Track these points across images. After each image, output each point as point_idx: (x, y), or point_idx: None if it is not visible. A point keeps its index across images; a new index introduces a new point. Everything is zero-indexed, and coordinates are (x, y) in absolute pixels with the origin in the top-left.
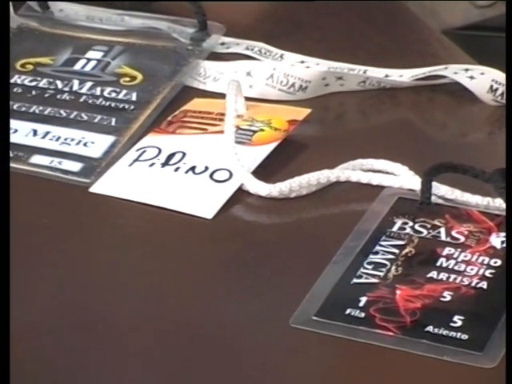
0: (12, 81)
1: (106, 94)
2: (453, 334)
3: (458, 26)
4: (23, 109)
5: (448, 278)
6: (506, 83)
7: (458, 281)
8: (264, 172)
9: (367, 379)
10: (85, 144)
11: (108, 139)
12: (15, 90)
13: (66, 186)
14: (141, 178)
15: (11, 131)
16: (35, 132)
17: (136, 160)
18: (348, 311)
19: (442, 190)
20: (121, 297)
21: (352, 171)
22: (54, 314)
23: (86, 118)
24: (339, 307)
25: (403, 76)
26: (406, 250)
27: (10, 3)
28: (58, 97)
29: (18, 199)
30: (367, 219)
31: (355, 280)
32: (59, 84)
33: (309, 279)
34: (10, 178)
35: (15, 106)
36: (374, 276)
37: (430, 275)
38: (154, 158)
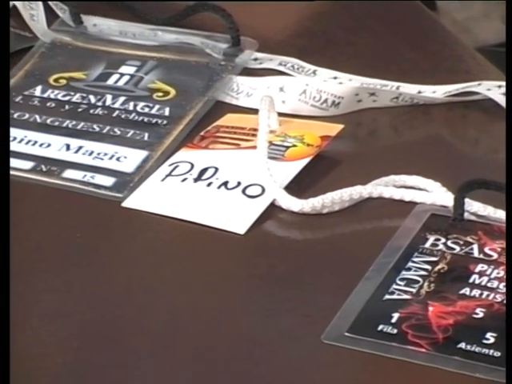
0: (45, 95)
1: (138, 108)
2: (485, 351)
3: (491, 43)
4: (56, 123)
5: (481, 294)
6: (506, 83)
7: (490, 297)
8: (296, 187)
9: None
10: (117, 159)
11: (141, 154)
12: (48, 104)
13: (98, 200)
14: (173, 193)
15: (44, 145)
16: (68, 146)
17: (168, 175)
18: (380, 327)
19: (474, 207)
20: (153, 312)
21: (385, 187)
22: (85, 329)
23: (118, 132)
24: (371, 323)
25: (436, 92)
26: (439, 267)
27: (44, 18)
28: (91, 111)
29: (51, 214)
30: (400, 235)
31: (387, 296)
32: (92, 99)
33: (341, 295)
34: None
35: (48, 121)
36: (406, 292)
37: (462, 292)
38: (187, 172)
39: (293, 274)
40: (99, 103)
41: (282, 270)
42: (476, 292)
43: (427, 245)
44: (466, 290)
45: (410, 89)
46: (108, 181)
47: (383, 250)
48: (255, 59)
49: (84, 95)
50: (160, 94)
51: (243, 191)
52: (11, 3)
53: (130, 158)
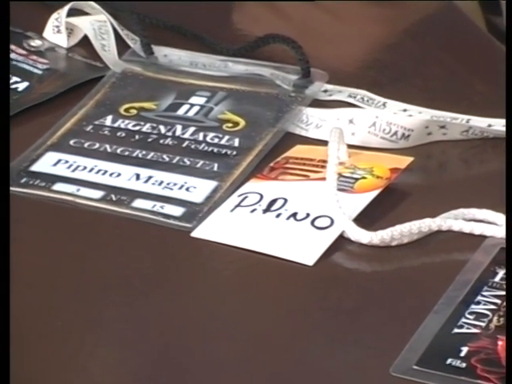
0: (116, 125)
1: (208, 139)
2: None
3: None
4: (126, 153)
5: None
6: (506, 84)
7: None
8: (365, 219)
9: None
10: (187, 189)
11: (210, 184)
12: (119, 134)
13: (167, 230)
14: (242, 224)
15: (115, 175)
16: (138, 176)
17: (238, 205)
18: (449, 361)
19: None
20: (220, 342)
21: (454, 220)
22: (153, 358)
23: (188, 162)
24: (440, 357)
25: None
26: None
27: (115, 48)
28: (161, 141)
29: (121, 243)
30: (469, 269)
31: (456, 330)
32: (162, 129)
33: (409, 328)
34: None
35: (119, 150)
36: (475, 326)
37: None
38: (256, 203)
39: (361, 305)
40: (169, 133)
41: (351, 301)
42: None
43: (497, 279)
44: None
45: (480, 122)
46: (177, 211)
47: (452, 284)
48: (325, 91)
49: (154, 125)
50: (230, 124)
51: (312, 223)
52: (84, 33)
53: (199, 189)
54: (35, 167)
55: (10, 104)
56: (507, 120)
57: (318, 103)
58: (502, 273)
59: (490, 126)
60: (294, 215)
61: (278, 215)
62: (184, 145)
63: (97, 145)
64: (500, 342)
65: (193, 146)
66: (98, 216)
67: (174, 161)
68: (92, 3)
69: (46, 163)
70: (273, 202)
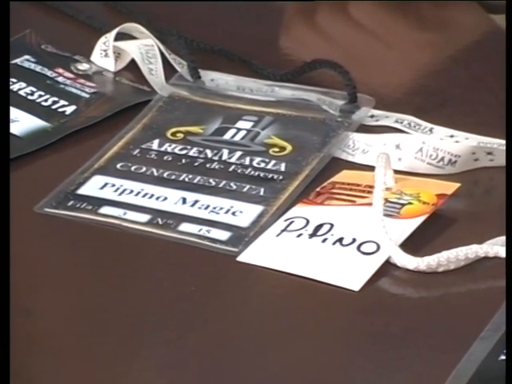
0: (162, 149)
1: (255, 163)
2: None
3: None
4: (173, 177)
5: None
6: (506, 84)
7: None
8: (412, 245)
9: None
10: (233, 213)
11: (256, 209)
12: (165, 157)
13: (213, 254)
14: (288, 249)
15: (161, 199)
16: (184, 200)
17: (284, 230)
18: None
19: None
20: (267, 366)
21: (501, 247)
22: (200, 381)
23: (234, 187)
24: None
25: None
26: None
27: (163, 72)
28: (208, 166)
29: (167, 266)
30: None
31: (503, 357)
32: (209, 153)
33: (455, 354)
34: (147, 243)
35: (165, 174)
36: None
37: None
38: (302, 228)
39: (407, 331)
40: (216, 157)
41: (396, 327)
42: None
43: None
44: None
45: None
46: (223, 235)
47: (499, 310)
48: (371, 116)
49: (201, 149)
50: (276, 149)
51: (358, 248)
52: (131, 57)
53: (245, 213)
54: (82, 190)
55: (58, 128)
56: (507, 120)
57: (364, 128)
58: None
59: None
60: (340, 240)
61: (324, 240)
62: (230, 169)
63: (143, 168)
64: None
65: (239, 171)
66: (144, 240)
67: (221, 185)
68: (140, 27)
69: (93, 186)
70: (319, 226)
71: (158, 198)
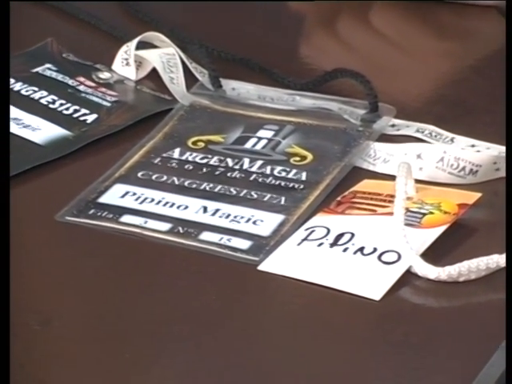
0: (183, 158)
1: (275, 172)
2: None
3: None
4: (194, 186)
5: None
6: (506, 84)
7: None
8: (433, 255)
9: None
10: (254, 222)
11: (277, 218)
12: (186, 166)
13: (234, 263)
14: (309, 258)
15: (182, 207)
16: (205, 209)
17: (305, 239)
18: None
19: None
20: (287, 376)
21: None
22: None
23: (255, 196)
24: None
25: None
26: None
27: (184, 81)
28: (229, 174)
29: (187, 275)
30: None
31: None
32: (230, 162)
33: (476, 364)
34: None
35: (186, 183)
36: None
37: None
38: (323, 237)
39: (427, 341)
40: (237, 166)
41: (417, 337)
42: None
43: None
44: None
45: None
46: (244, 244)
47: None
48: (393, 125)
49: (222, 158)
50: (297, 158)
51: (379, 257)
52: (153, 66)
53: (266, 222)
54: (103, 199)
55: (79, 136)
56: (507, 122)
57: (385, 138)
58: None
59: None
60: (361, 250)
61: (344, 249)
62: (251, 178)
63: (164, 177)
64: None
65: (260, 180)
66: (165, 248)
67: (242, 194)
68: (161, 36)
69: (114, 195)
70: (340, 236)
71: (178, 207)
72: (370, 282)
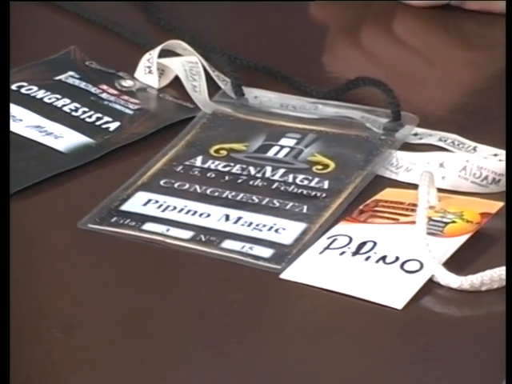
0: (206, 166)
1: (298, 181)
2: None
3: None
4: (216, 194)
5: None
6: (506, 84)
7: None
8: (455, 264)
9: None
10: (276, 230)
11: (299, 226)
12: (209, 174)
13: (256, 271)
14: (331, 266)
15: (204, 215)
16: (227, 217)
17: (327, 248)
18: None
19: None
20: None
21: None
22: None
23: (277, 204)
24: None
25: None
26: None
27: (206, 89)
28: (251, 183)
29: (209, 283)
30: None
31: None
32: (252, 170)
33: (498, 374)
34: (190, 260)
35: (209, 191)
36: None
37: None
38: (345, 246)
39: (449, 350)
40: (259, 175)
41: (439, 346)
42: None
43: None
44: None
45: None
46: (266, 252)
47: None
48: (415, 134)
49: (244, 166)
50: (319, 166)
51: (401, 266)
52: (175, 74)
53: (288, 230)
54: (125, 207)
55: (101, 144)
56: (507, 123)
57: (408, 146)
58: None
59: None
60: (384, 258)
61: (367, 258)
62: (273, 186)
63: (187, 185)
64: None
65: (282, 188)
66: (187, 256)
67: (264, 202)
68: (184, 44)
69: (137, 203)
70: (362, 244)
71: (201, 215)
72: (392, 290)
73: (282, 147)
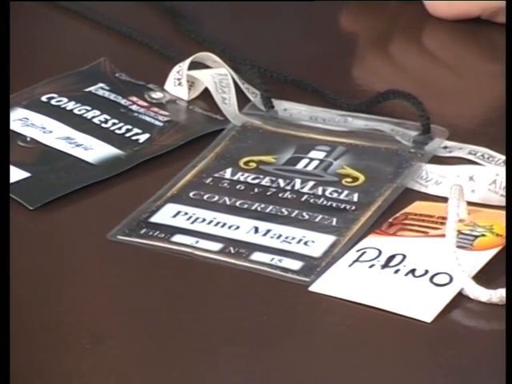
0: (235, 178)
1: (327, 193)
2: None
3: None
4: (245, 206)
5: None
6: (506, 84)
7: None
8: (485, 277)
9: None
10: (305, 243)
11: (328, 239)
12: (238, 187)
13: (285, 283)
14: (360, 279)
15: (233, 228)
16: (257, 229)
17: (356, 261)
18: None
19: None
20: None
21: None
22: None
23: (307, 217)
24: None
25: None
26: None
27: (236, 101)
28: (280, 195)
29: (239, 295)
30: None
31: None
32: (281, 182)
33: None
34: (219, 272)
35: (238, 203)
36: None
37: None
38: (374, 259)
39: (479, 364)
40: (288, 187)
41: (468, 360)
42: None
43: None
44: None
45: None
46: (295, 265)
47: None
48: (445, 147)
49: (273, 179)
50: (349, 179)
51: (431, 279)
52: (205, 86)
53: (317, 243)
54: (155, 218)
55: (131, 156)
56: (507, 124)
57: (437, 160)
58: None
59: None
60: (413, 271)
61: (396, 271)
62: (303, 199)
63: (216, 197)
64: None
65: (312, 201)
66: (216, 268)
67: (293, 214)
68: (214, 56)
69: (166, 215)
70: (391, 257)
71: (230, 227)
72: (422, 303)
73: (312, 160)
